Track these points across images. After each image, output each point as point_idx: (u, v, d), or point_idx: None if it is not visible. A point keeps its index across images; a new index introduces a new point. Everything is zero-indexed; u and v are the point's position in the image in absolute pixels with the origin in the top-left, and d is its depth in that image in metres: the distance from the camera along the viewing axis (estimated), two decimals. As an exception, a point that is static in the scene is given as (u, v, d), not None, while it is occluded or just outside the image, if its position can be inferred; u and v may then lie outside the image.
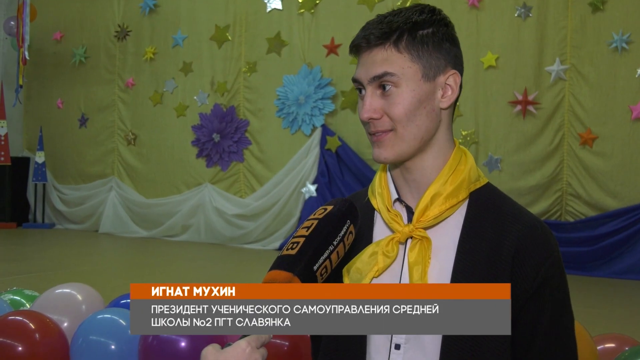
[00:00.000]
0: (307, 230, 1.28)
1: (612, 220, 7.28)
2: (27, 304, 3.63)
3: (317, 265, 1.24)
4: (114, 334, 2.98)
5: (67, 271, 6.93)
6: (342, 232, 1.29)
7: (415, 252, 1.39)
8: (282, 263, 1.24)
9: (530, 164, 7.77)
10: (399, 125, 1.38)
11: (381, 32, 1.38)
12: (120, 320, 3.03)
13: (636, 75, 7.27)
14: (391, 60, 1.37)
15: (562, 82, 7.64)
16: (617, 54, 7.34)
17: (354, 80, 1.43)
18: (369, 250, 1.43)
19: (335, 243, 1.28)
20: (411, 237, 1.41)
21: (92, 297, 3.49)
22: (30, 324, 2.97)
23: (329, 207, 1.32)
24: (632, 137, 7.30)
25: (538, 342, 1.38)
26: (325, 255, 1.26)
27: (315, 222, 1.29)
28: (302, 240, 1.26)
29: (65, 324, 3.24)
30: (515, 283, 1.34)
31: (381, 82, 1.38)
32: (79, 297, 3.45)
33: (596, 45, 7.46)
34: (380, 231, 1.48)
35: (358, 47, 1.41)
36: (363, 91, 1.42)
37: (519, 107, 7.79)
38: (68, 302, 3.42)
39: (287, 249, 1.26)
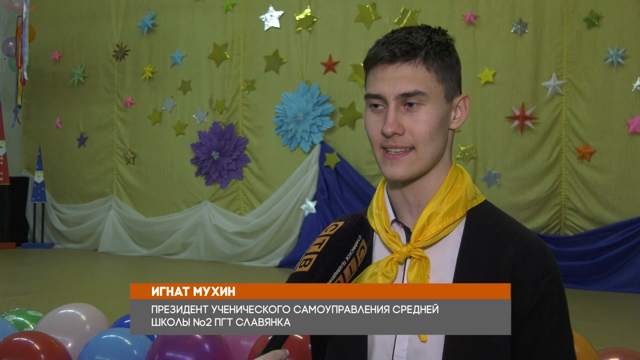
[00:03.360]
0: (319, 247, 1.28)
1: (611, 233, 7.29)
2: (31, 325, 3.62)
3: (330, 281, 1.25)
4: (120, 354, 2.97)
5: (68, 291, 6.92)
6: (354, 247, 1.30)
7: (414, 271, 1.39)
8: (296, 281, 1.24)
9: (528, 178, 7.80)
10: (419, 145, 1.38)
11: (409, 47, 1.36)
12: (126, 340, 3.03)
13: (632, 90, 7.33)
14: (420, 78, 1.36)
15: (559, 97, 7.69)
16: (613, 69, 7.40)
17: (373, 96, 1.40)
18: (368, 271, 1.43)
19: (347, 258, 1.28)
20: (410, 257, 1.41)
21: (96, 317, 3.50)
22: (35, 345, 2.96)
23: (340, 223, 1.33)
24: (630, 150, 7.35)
25: (537, 359, 1.38)
26: (338, 270, 1.26)
27: (327, 238, 1.30)
28: (314, 257, 1.26)
29: (70, 345, 3.24)
30: (514, 300, 1.35)
31: (409, 99, 1.37)
32: (83, 317, 3.46)
33: (592, 61, 7.52)
34: (379, 252, 1.48)
35: (380, 61, 1.39)
36: (380, 106, 1.40)
37: (516, 122, 7.83)
38: (72, 322, 3.42)
39: (300, 266, 1.26)
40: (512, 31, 7.91)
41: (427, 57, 1.37)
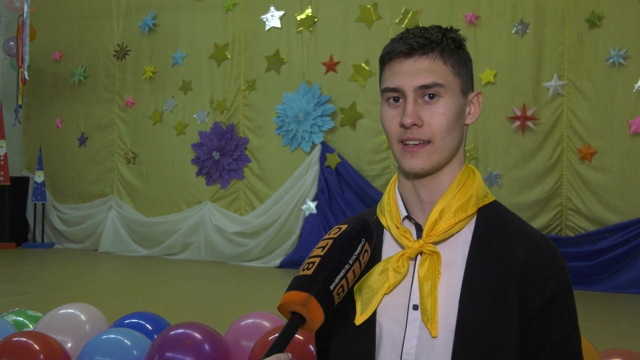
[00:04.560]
0: (322, 250, 1.27)
1: (612, 234, 7.29)
2: (31, 325, 3.61)
3: (333, 284, 1.23)
4: (119, 354, 2.96)
5: (68, 291, 6.91)
6: (358, 251, 1.28)
7: (425, 267, 1.39)
8: (299, 284, 1.23)
9: (529, 179, 7.79)
10: (437, 137, 1.39)
11: (426, 41, 1.39)
12: (126, 340, 3.01)
13: (634, 90, 7.32)
14: (437, 70, 1.38)
15: (560, 98, 7.68)
16: (615, 69, 7.39)
17: (391, 89, 1.41)
18: (379, 267, 1.43)
19: (351, 262, 1.27)
20: (421, 253, 1.41)
21: (96, 317, 3.49)
22: (35, 345, 2.95)
23: (344, 226, 1.31)
24: (631, 151, 7.34)
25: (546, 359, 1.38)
26: (342, 274, 1.25)
27: (330, 241, 1.28)
28: (317, 260, 1.25)
29: (70, 345, 3.23)
30: (524, 299, 1.35)
31: (428, 92, 1.38)
32: (83, 317, 3.45)
33: (593, 61, 7.51)
34: (389, 248, 1.48)
35: (398, 55, 1.40)
36: (401, 100, 1.41)
37: (517, 123, 7.82)
38: (72, 322, 3.41)
39: (303, 270, 1.25)
40: (513, 31, 7.90)
41: (444, 52, 1.40)
